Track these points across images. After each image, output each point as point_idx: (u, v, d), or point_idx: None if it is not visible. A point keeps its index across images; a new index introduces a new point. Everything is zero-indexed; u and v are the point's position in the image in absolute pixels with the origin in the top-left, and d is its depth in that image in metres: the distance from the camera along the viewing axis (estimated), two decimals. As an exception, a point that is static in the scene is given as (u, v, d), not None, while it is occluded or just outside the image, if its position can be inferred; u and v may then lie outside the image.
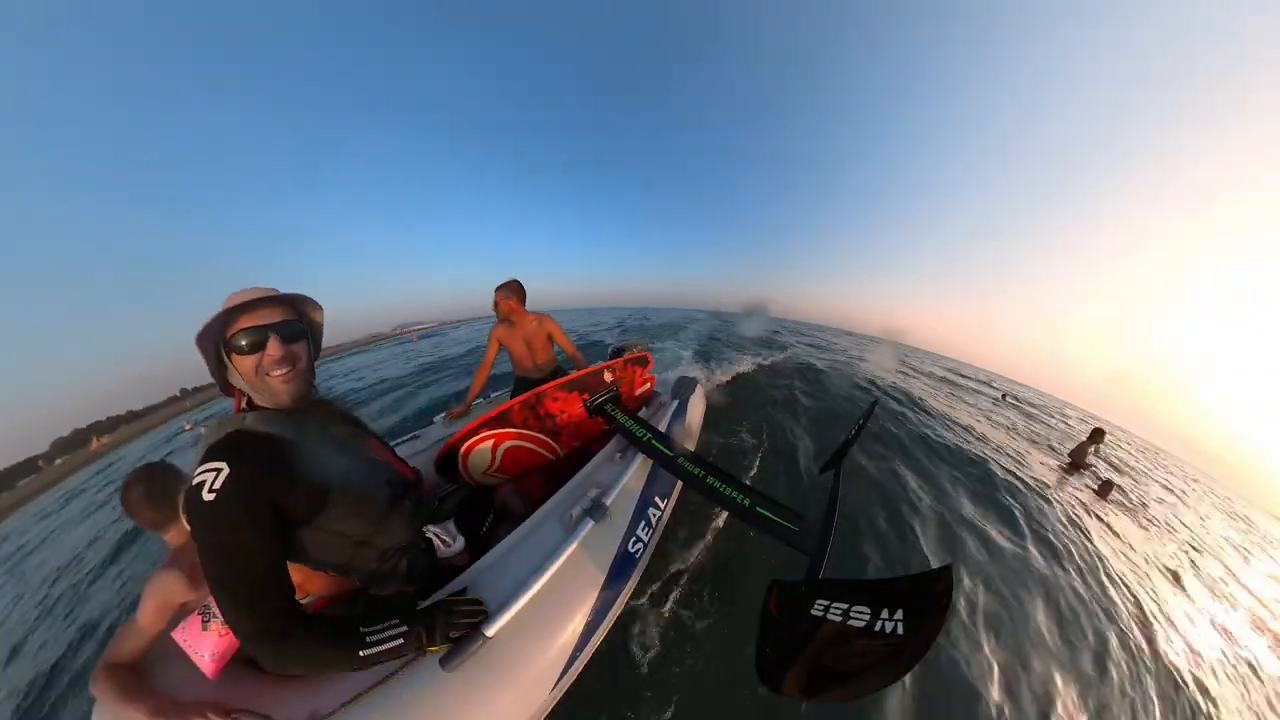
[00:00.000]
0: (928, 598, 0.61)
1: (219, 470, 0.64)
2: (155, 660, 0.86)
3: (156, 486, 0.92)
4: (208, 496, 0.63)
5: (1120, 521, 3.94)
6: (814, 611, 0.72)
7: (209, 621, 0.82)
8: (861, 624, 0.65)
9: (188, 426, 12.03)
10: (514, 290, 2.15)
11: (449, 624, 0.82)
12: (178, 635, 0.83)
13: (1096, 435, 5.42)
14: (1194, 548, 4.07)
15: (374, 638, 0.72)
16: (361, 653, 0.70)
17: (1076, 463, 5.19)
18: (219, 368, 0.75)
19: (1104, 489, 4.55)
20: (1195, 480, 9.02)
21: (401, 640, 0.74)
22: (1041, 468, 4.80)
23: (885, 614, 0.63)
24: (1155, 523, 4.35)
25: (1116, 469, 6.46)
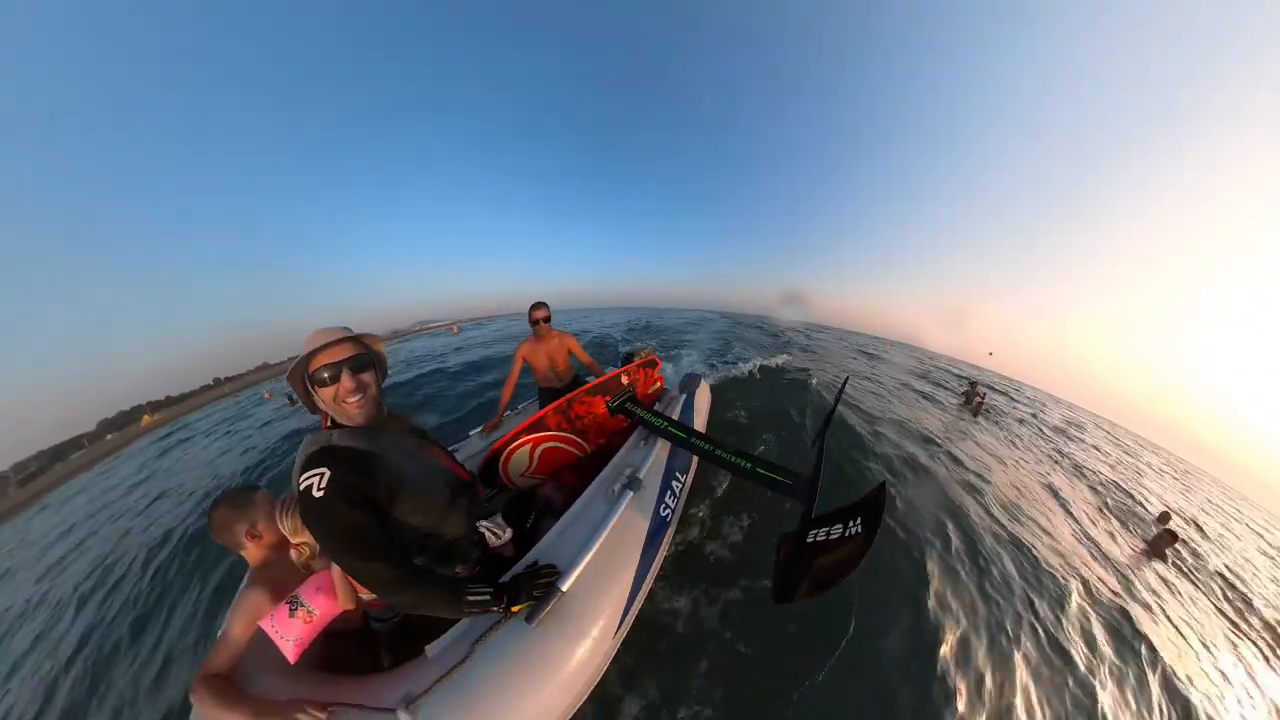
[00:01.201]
0: (873, 507, 0.97)
1: (322, 474, 0.79)
2: (251, 673, 0.96)
3: (238, 507, 1.02)
4: (318, 494, 0.77)
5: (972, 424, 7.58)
6: (808, 540, 1.05)
7: (296, 610, 0.94)
8: (837, 535, 1.00)
9: (267, 395, 12.39)
10: (548, 310, 2.41)
11: (532, 584, 1.02)
12: (265, 623, 0.92)
13: (973, 386, 9.74)
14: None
15: (472, 590, 0.91)
16: (467, 597, 0.89)
17: (968, 399, 9.11)
18: (306, 395, 0.93)
19: (975, 409, 8.60)
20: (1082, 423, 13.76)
21: (489, 597, 0.92)
22: (948, 405, 8.64)
23: (850, 524, 0.98)
24: (993, 415, 8.97)
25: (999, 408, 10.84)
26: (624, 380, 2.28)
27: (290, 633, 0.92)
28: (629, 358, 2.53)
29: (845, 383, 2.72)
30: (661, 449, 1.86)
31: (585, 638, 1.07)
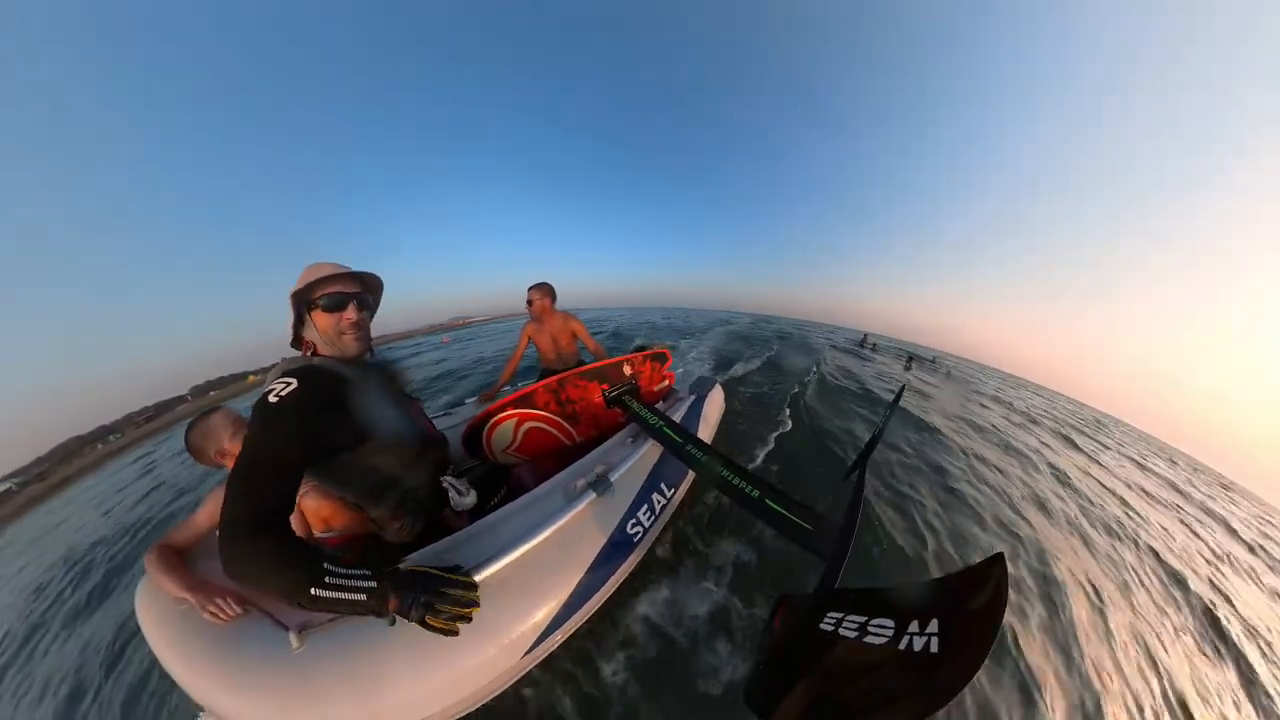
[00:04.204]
0: (972, 601, 0.46)
1: (289, 384, 0.77)
2: (201, 555, 1.04)
3: (201, 432, 1.08)
4: (273, 400, 0.75)
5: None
6: (823, 625, 0.57)
7: None
8: (883, 640, 0.50)
9: (445, 340, 14.81)
10: (547, 291, 2.32)
11: (432, 607, 0.76)
12: None
13: (866, 337, 19.81)
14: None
15: (333, 580, 0.69)
16: (313, 590, 0.67)
17: (863, 342, 17.37)
18: (298, 322, 0.94)
19: (863, 344, 16.41)
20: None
21: (364, 596, 0.71)
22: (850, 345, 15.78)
23: (915, 626, 0.48)
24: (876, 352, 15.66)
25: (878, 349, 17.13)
26: (626, 370, 2.07)
27: None
28: (639, 350, 2.37)
29: (900, 394, 1.98)
30: (649, 453, 1.61)
31: (479, 647, 0.90)
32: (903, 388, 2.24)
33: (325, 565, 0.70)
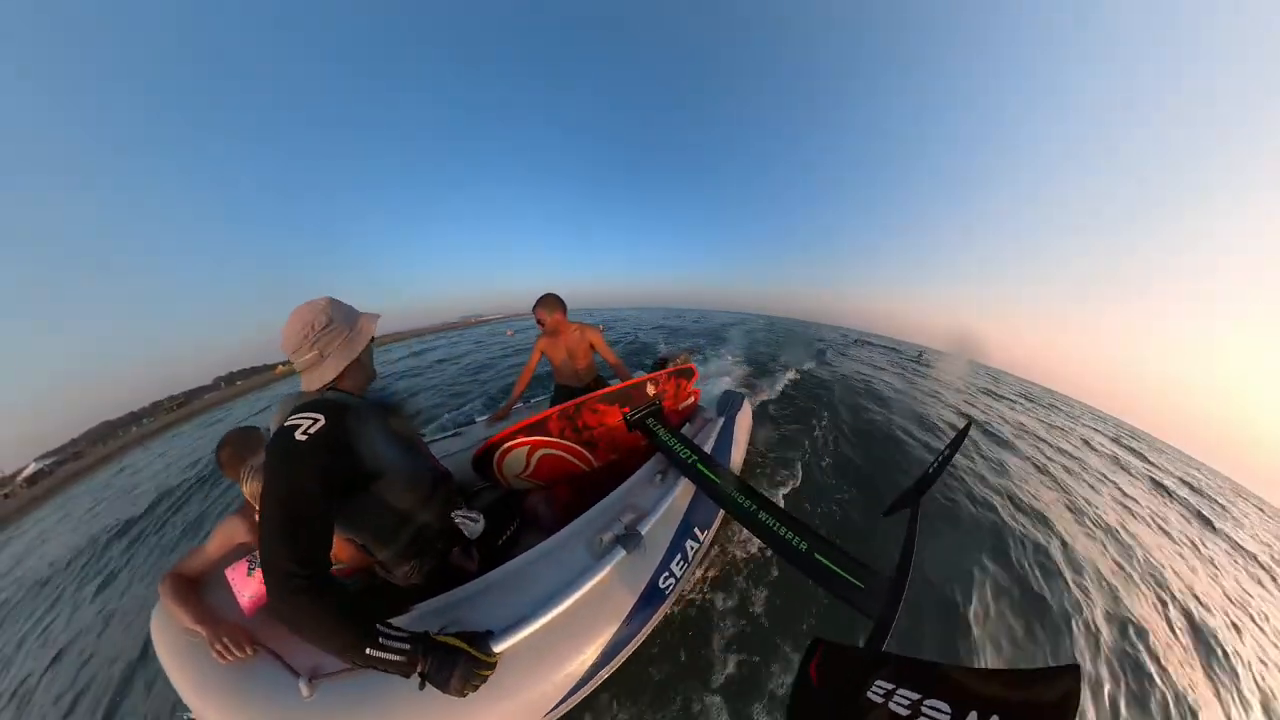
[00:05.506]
0: (1040, 707, 0.44)
1: (316, 420, 0.72)
2: (213, 585, 1.02)
3: (246, 446, 1.11)
4: (300, 437, 0.70)
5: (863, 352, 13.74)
6: (871, 694, 0.56)
7: (254, 569, 0.98)
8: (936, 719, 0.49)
9: (510, 333, 14.86)
10: (556, 305, 2.08)
11: (462, 680, 0.75)
12: (229, 572, 0.98)
13: (860, 340, 19.02)
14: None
15: (385, 640, 0.69)
16: (368, 650, 0.67)
17: (856, 341, 18.40)
18: (368, 355, 0.99)
19: (855, 343, 17.52)
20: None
21: (403, 659, 0.70)
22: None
23: (974, 718, 0.47)
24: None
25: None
26: (649, 390, 1.89)
27: (246, 589, 0.97)
28: (662, 363, 2.16)
29: (966, 430, 1.52)
30: (682, 493, 1.43)
31: (501, 709, 0.86)
32: (970, 422, 1.81)
33: (378, 626, 0.70)
